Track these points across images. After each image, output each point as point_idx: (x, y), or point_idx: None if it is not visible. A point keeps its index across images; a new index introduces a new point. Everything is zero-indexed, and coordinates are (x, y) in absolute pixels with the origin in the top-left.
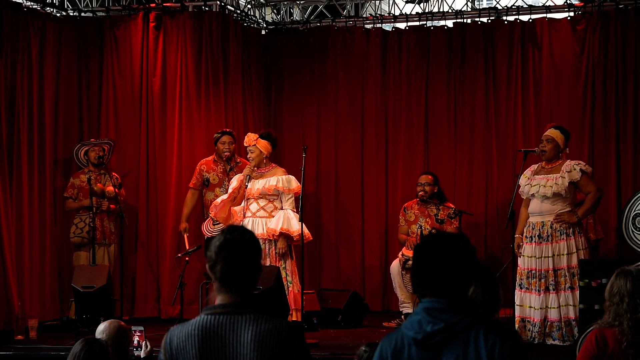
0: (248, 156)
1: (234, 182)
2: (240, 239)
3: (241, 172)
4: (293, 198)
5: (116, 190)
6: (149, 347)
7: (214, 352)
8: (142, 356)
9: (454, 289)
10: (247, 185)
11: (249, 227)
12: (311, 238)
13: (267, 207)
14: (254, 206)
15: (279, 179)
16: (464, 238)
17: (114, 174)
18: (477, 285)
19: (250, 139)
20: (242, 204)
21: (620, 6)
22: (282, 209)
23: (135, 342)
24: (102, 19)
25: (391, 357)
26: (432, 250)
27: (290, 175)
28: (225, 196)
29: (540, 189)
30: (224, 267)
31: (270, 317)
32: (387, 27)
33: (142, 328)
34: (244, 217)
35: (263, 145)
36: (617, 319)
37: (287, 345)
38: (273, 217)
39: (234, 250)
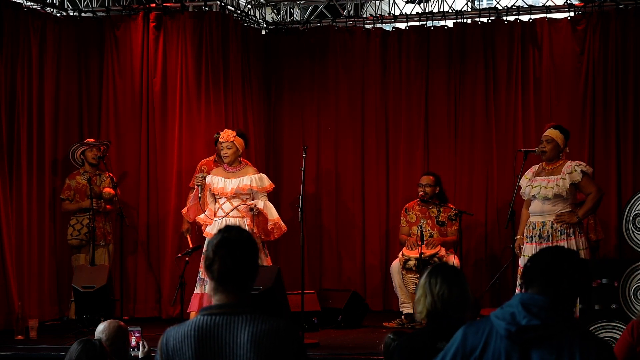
0: (223, 152)
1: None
2: (238, 238)
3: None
4: (266, 196)
5: (114, 191)
6: (146, 347)
7: (211, 352)
8: (139, 356)
9: (560, 291)
10: (205, 179)
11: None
12: (285, 229)
13: (241, 207)
14: (227, 206)
15: (252, 179)
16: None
17: (109, 174)
18: (444, 282)
19: (229, 135)
20: (210, 205)
21: (620, 6)
22: None
23: (133, 342)
24: (102, 19)
25: (479, 348)
26: (559, 250)
27: (262, 174)
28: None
29: (541, 190)
30: (222, 265)
31: (268, 318)
32: (387, 27)
33: (139, 328)
34: (216, 216)
35: (240, 142)
36: None
37: (284, 345)
38: (245, 217)
39: (231, 248)
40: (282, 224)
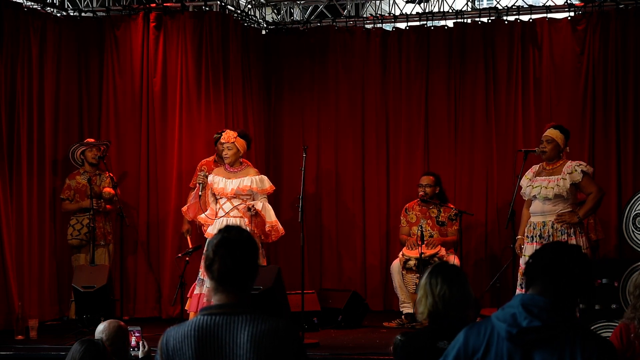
0: (224, 153)
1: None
2: (238, 238)
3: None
4: (266, 198)
5: (114, 191)
6: (146, 347)
7: (210, 352)
8: (140, 356)
9: (561, 290)
10: (207, 178)
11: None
12: (283, 233)
13: (241, 207)
14: (227, 206)
15: (252, 180)
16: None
17: (109, 174)
18: (444, 283)
19: (229, 135)
20: (212, 204)
21: (621, 6)
22: None
23: (133, 342)
24: (102, 19)
25: (481, 350)
26: (560, 245)
27: (262, 176)
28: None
29: (542, 190)
30: (222, 265)
31: (267, 318)
32: (388, 27)
33: (139, 328)
34: (217, 216)
35: (241, 143)
36: (633, 312)
37: (284, 345)
38: (244, 217)
39: (231, 248)
40: (280, 226)
